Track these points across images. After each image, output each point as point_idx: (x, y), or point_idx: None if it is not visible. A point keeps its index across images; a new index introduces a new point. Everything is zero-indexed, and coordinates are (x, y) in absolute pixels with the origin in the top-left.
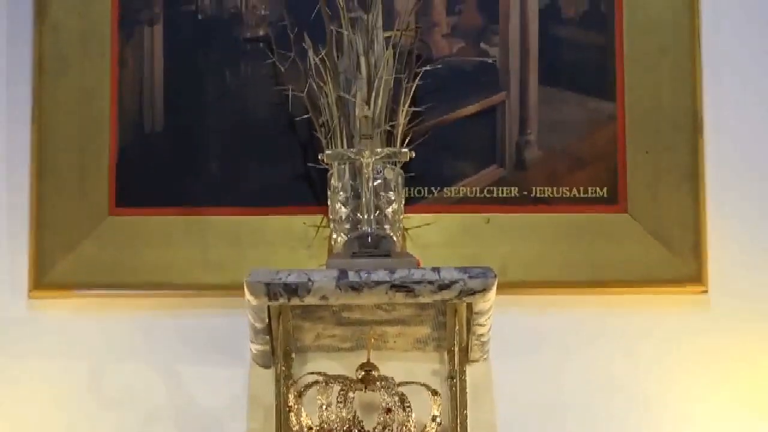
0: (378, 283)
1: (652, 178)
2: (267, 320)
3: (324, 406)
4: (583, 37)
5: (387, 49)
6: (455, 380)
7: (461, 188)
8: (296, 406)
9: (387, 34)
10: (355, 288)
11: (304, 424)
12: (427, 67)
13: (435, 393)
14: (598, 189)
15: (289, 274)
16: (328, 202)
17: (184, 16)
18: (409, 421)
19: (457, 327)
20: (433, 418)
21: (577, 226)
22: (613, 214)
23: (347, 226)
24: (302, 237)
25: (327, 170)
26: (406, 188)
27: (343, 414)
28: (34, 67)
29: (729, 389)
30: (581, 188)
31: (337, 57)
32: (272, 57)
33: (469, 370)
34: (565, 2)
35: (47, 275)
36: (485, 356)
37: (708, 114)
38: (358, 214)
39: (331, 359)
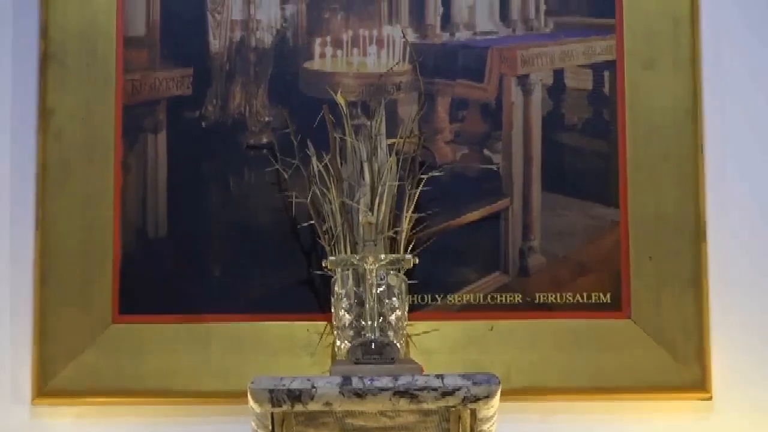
0: (382, 390)
1: (656, 284)
2: (271, 427)
3: None
4: (587, 143)
5: (390, 155)
6: None
7: (465, 295)
8: None
9: (390, 140)
10: (359, 394)
11: None
12: (431, 174)
13: None
14: (601, 295)
15: (292, 381)
16: (332, 309)
17: (187, 123)
18: None
19: None
20: None
21: (580, 333)
22: (616, 320)
23: (351, 332)
24: (306, 344)
25: (330, 277)
26: (410, 295)
27: None
28: (38, 173)
29: None
30: (584, 294)
31: (341, 164)
32: (276, 164)
33: None
34: (568, 109)
35: (50, 383)
36: None
37: (711, 220)
38: (362, 321)
39: None
